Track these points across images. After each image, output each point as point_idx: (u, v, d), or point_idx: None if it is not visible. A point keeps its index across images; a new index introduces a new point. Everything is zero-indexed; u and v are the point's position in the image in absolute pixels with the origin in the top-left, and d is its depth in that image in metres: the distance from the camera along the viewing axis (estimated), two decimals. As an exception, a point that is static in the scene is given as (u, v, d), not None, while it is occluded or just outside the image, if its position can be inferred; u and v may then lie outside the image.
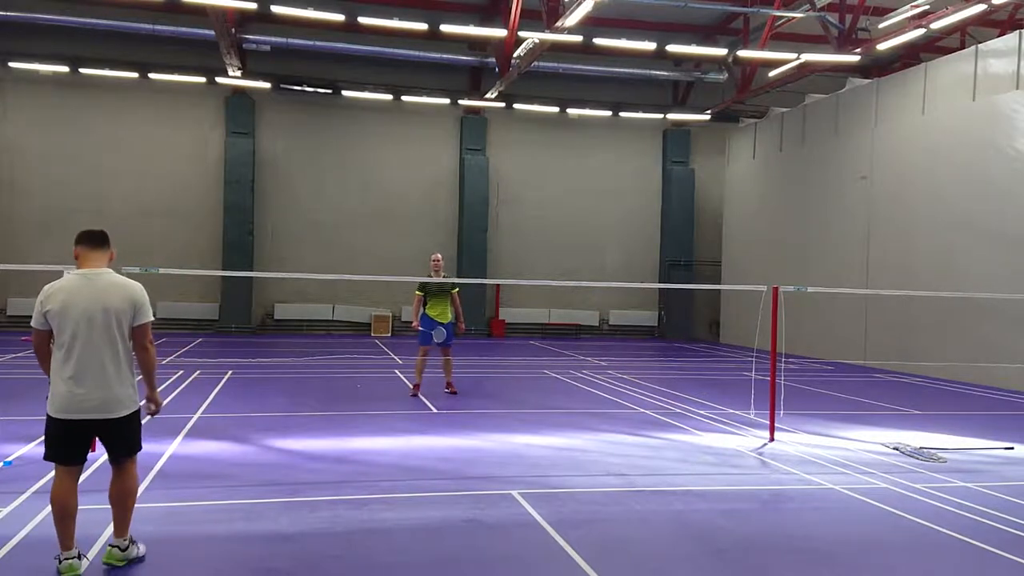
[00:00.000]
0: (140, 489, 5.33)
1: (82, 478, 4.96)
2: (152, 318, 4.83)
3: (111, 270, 4.78)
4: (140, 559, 4.81)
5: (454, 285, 11.86)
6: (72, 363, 4.55)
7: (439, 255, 11.89)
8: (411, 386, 12.00)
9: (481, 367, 16.33)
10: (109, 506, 4.82)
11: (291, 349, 19.16)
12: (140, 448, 4.88)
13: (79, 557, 4.57)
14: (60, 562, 4.52)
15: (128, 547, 4.75)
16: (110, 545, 4.75)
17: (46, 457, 4.67)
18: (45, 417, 4.66)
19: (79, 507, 4.69)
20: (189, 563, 4.96)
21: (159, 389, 5.17)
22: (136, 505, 4.94)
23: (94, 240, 4.76)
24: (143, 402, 4.90)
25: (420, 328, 11.65)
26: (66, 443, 4.60)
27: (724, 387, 14.20)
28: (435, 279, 11.52)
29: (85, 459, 4.77)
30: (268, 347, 19.67)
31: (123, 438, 4.74)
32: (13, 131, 22.89)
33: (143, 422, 4.96)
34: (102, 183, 23.27)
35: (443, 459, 7.84)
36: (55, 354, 4.63)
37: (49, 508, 4.70)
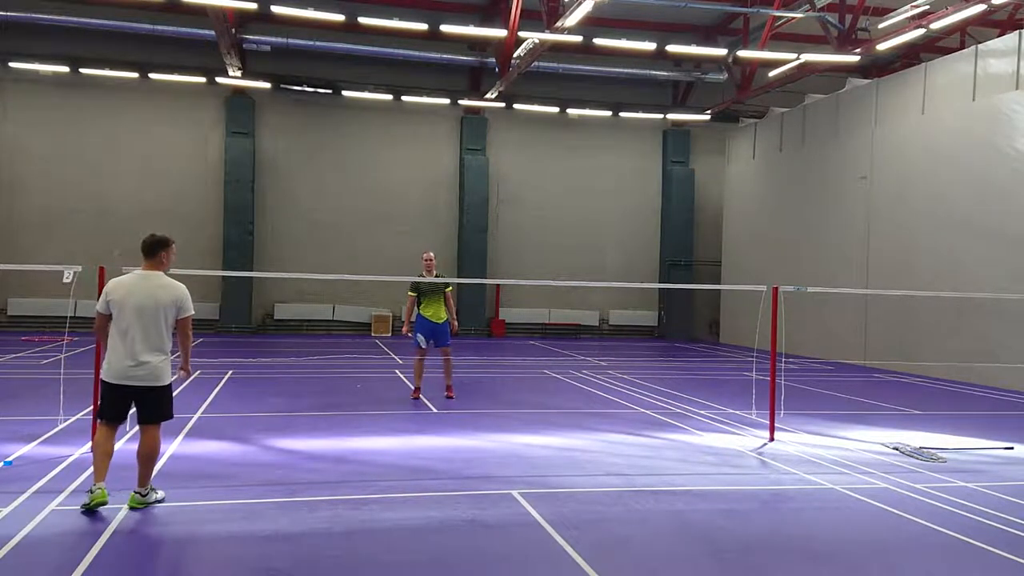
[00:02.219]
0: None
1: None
2: (193, 312, 6.10)
3: (162, 273, 6.06)
4: (160, 501, 5.88)
5: (447, 284, 11.59)
6: (127, 342, 5.80)
7: (431, 253, 11.58)
8: (412, 388, 11.91)
9: (481, 367, 16.33)
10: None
11: (291, 349, 19.16)
12: (170, 417, 6.05)
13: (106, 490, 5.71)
14: (92, 491, 5.65)
15: (147, 494, 5.82)
16: (133, 492, 5.78)
17: (99, 414, 6.00)
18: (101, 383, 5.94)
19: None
20: (189, 563, 4.96)
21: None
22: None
23: (145, 250, 6.07)
24: (178, 371, 6.13)
25: (415, 332, 11.41)
26: (113, 403, 5.88)
27: (724, 387, 14.20)
28: (427, 279, 11.27)
29: (125, 418, 5.96)
30: (268, 347, 19.67)
31: (157, 404, 5.93)
32: (13, 131, 22.89)
33: (174, 379, 6.09)
34: (102, 183, 23.28)
35: (443, 459, 7.83)
36: (113, 333, 5.86)
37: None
